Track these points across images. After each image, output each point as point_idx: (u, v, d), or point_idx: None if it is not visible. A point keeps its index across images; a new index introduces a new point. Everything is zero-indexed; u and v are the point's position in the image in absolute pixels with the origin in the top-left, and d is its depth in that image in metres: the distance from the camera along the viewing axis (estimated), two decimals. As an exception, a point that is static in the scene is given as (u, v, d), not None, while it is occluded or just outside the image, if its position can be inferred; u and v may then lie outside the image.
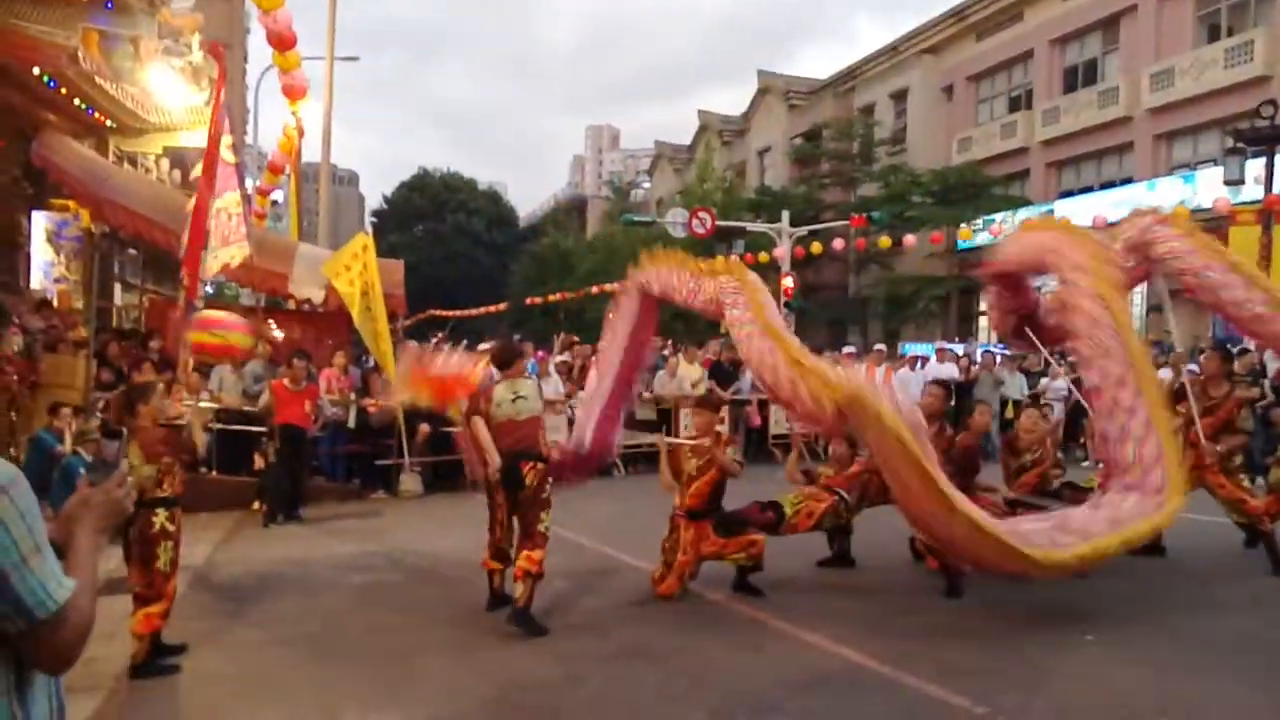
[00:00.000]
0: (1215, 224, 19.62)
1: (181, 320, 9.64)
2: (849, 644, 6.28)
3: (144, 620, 5.78)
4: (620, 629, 6.85)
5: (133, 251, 17.21)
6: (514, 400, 7.02)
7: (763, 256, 28.06)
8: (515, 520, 7.03)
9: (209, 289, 12.27)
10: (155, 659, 5.94)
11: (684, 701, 5.34)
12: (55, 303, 13.46)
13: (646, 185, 64.13)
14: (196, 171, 10.78)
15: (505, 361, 7.28)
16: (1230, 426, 8.64)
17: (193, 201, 9.53)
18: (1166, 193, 24.10)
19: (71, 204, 13.83)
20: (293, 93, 14.26)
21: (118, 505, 2.15)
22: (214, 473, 11.81)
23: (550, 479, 7.03)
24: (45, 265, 14.21)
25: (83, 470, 9.88)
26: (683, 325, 30.45)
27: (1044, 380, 17.27)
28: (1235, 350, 15.41)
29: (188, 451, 6.17)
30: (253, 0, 11.12)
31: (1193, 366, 15.20)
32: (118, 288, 17.53)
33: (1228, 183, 18.91)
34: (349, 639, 6.67)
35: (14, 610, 1.87)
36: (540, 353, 17.49)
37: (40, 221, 14.26)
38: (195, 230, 9.01)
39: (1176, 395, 8.74)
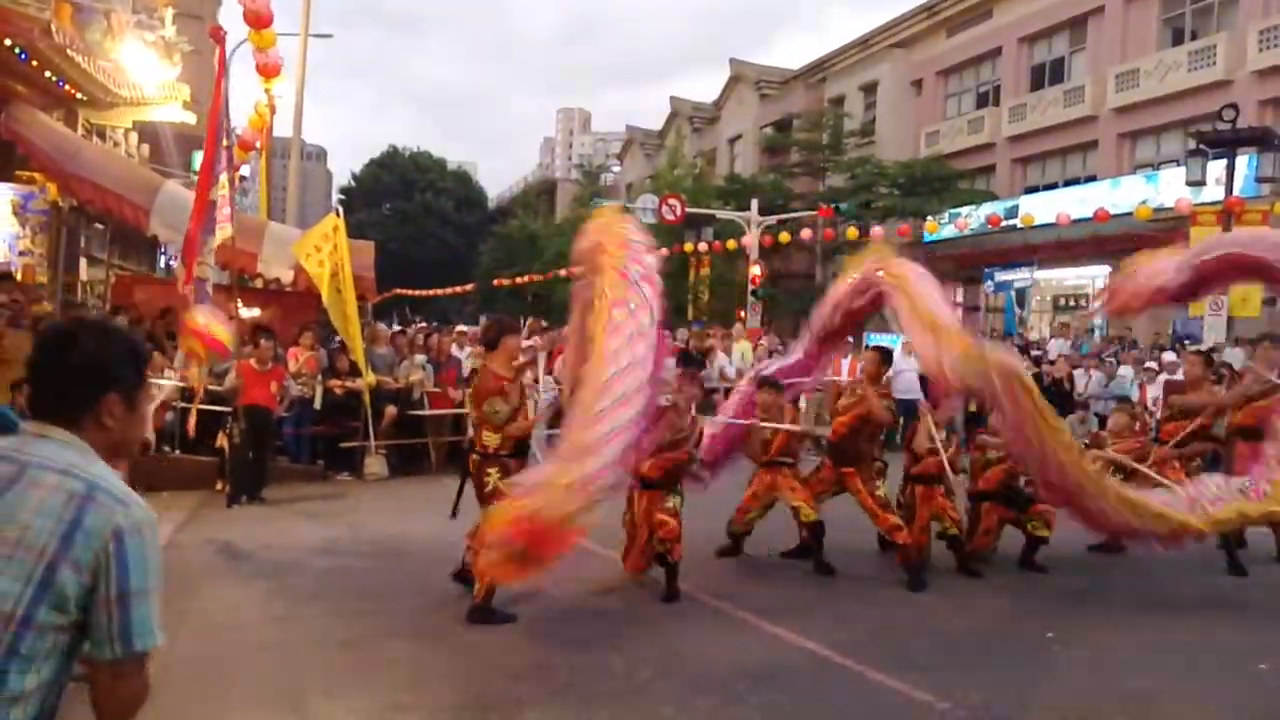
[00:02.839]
0: (1177, 224, 19.93)
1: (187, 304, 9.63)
2: (813, 636, 6.36)
3: None
4: (586, 617, 6.91)
5: (99, 226, 17.04)
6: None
7: (731, 244, 28.20)
8: None
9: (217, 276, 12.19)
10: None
11: (649, 692, 5.40)
12: (19, 277, 13.31)
13: (617, 169, 64.04)
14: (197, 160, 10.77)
15: (491, 340, 7.22)
16: (1204, 433, 8.85)
17: (193, 190, 9.59)
18: (1129, 192, 24.41)
19: (38, 176, 13.69)
20: (267, 71, 14.15)
21: None
22: (177, 452, 11.77)
23: (488, 471, 6.74)
24: (10, 238, 14.05)
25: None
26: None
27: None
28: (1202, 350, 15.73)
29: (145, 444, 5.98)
30: (230, -21, 11.02)
31: (1151, 364, 15.53)
32: (84, 263, 17.37)
33: (1189, 183, 19.18)
34: (314, 623, 6.67)
35: (119, 634, 1.99)
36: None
37: (6, 194, 14.09)
38: (195, 219, 9.04)
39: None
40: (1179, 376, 12.79)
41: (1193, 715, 5.26)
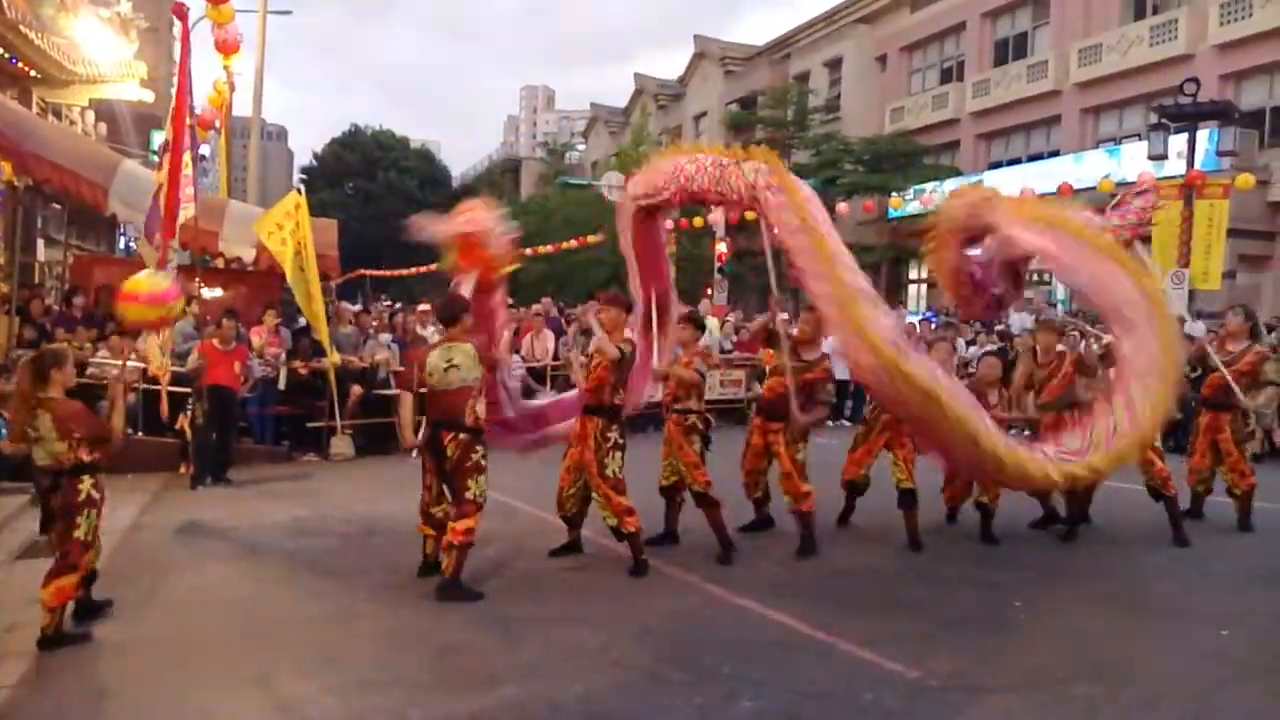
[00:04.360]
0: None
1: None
2: (782, 609, 6.38)
3: (56, 593, 5.60)
4: (555, 593, 6.90)
5: (57, 206, 16.78)
6: (446, 369, 6.77)
7: (697, 221, 28.11)
8: (445, 487, 6.93)
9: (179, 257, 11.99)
10: (81, 618, 5.93)
11: (620, 666, 5.40)
12: (-26, 259, 13.12)
13: (581, 147, 63.81)
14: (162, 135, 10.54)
15: (450, 317, 7.00)
16: (1255, 381, 9.00)
17: (164, 171, 9.38)
18: (1092, 166, 24.55)
19: (-9, 156, 13.44)
20: (225, 47, 13.97)
21: None
22: (139, 434, 11.64)
23: (476, 448, 6.75)
24: (-36, 220, 13.82)
25: (3, 432, 9.71)
26: (618, 288, 30.44)
27: (971, 349, 17.58)
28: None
29: (101, 435, 5.88)
30: (187, -49, 10.83)
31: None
32: (41, 243, 17.11)
33: (1152, 158, 19.29)
34: (281, 604, 6.63)
35: None
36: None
37: (-41, 174, 13.84)
38: (170, 199, 8.88)
39: (1199, 358, 9.12)
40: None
41: (1160, 681, 5.30)
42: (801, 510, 7.95)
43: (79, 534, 5.69)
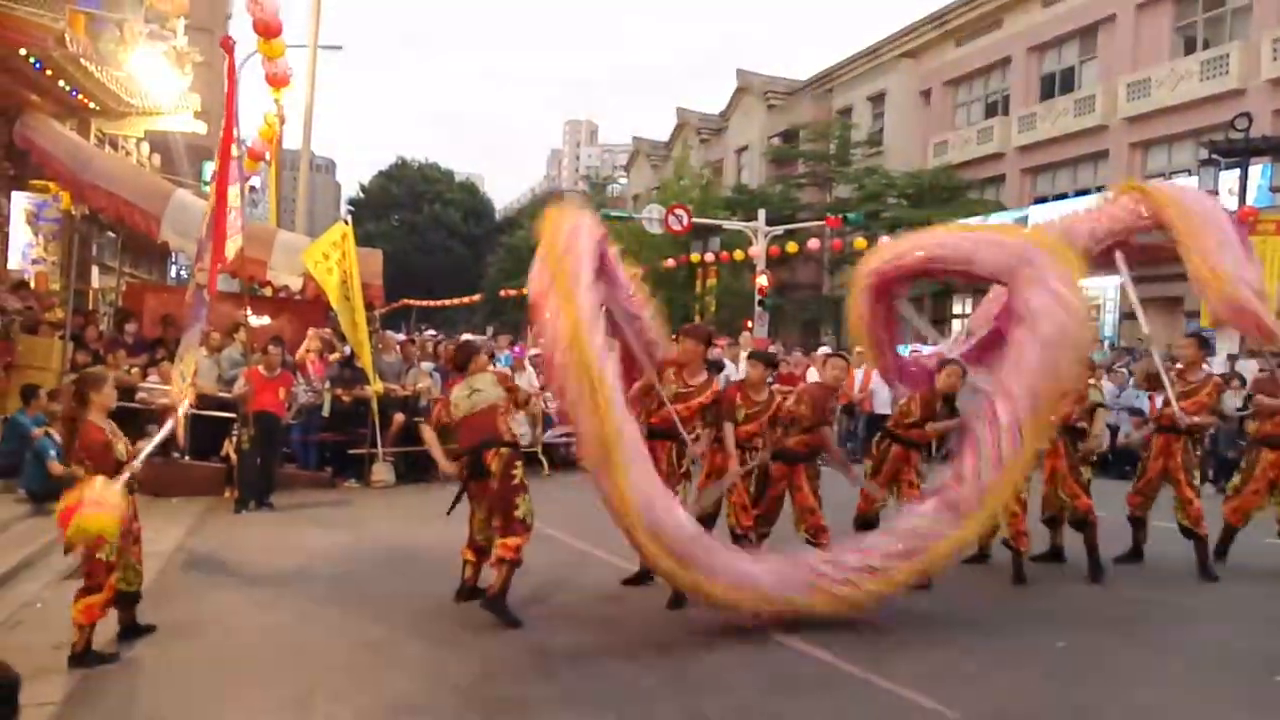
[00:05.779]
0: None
1: (193, 309, 9.57)
2: (821, 645, 6.32)
3: (84, 610, 5.69)
4: (592, 624, 6.90)
5: (111, 234, 17.15)
6: (469, 395, 7.03)
7: (738, 254, 28.24)
8: (491, 512, 6.96)
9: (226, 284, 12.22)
10: (125, 639, 6.04)
11: (656, 699, 5.39)
12: (33, 284, 13.42)
13: (623, 180, 64.16)
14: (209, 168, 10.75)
15: (461, 363, 7.37)
16: (1205, 410, 8.78)
17: (212, 199, 9.59)
18: (1140, 202, 24.30)
19: (52, 185, 13.78)
20: (276, 80, 14.26)
21: None
22: (185, 458, 11.82)
23: (516, 463, 6.84)
24: (24, 246, 14.19)
25: (53, 452, 9.89)
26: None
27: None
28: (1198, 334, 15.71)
29: (103, 469, 5.88)
30: (240, -12, 11.16)
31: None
32: (95, 270, 17.47)
33: (1202, 194, 19.10)
34: (320, 627, 6.69)
35: None
36: (517, 347, 17.60)
37: (20, 202, 14.22)
38: (218, 226, 9.08)
39: (1151, 380, 8.96)
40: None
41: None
42: (820, 545, 7.79)
43: (101, 555, 5.74)
